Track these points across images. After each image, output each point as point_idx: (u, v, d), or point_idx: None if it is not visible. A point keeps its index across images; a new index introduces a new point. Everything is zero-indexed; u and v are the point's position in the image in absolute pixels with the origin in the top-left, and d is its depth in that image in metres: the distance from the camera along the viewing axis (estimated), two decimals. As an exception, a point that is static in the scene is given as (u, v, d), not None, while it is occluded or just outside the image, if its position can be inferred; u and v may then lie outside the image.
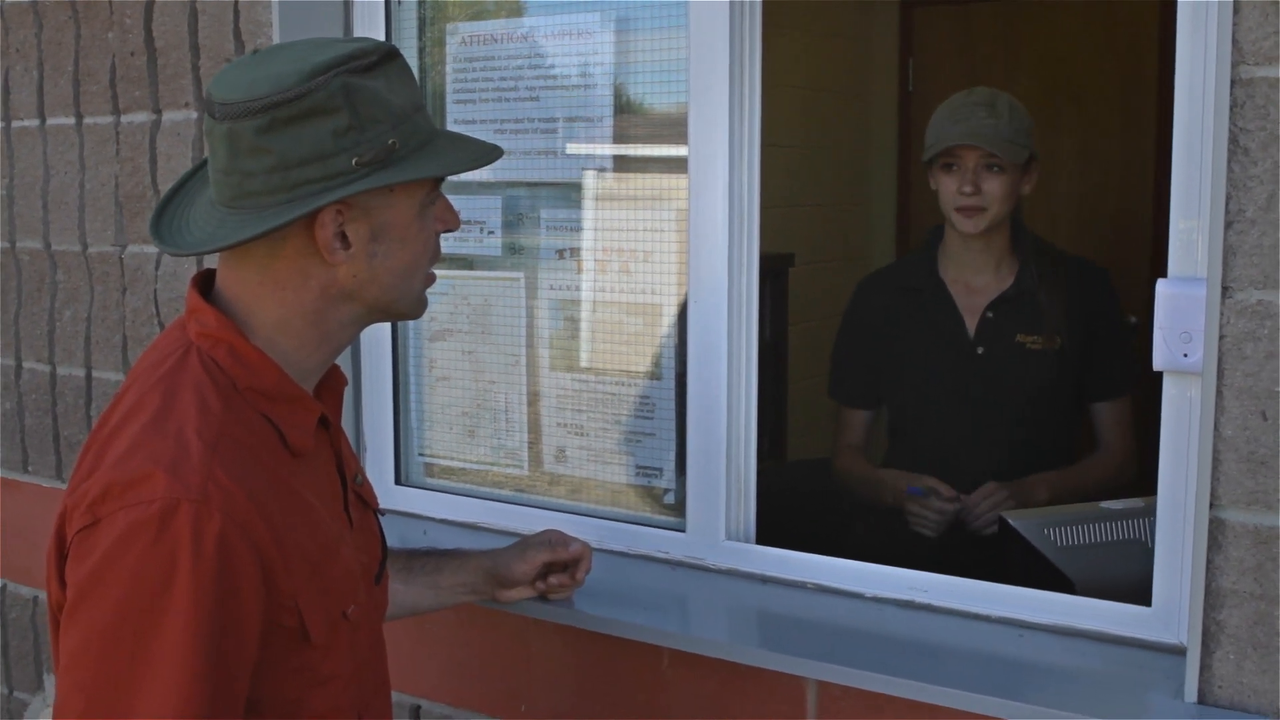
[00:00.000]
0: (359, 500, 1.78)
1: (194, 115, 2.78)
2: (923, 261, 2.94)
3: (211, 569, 1.42)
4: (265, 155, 1.50)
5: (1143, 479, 2.34)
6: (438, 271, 1.73)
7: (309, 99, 1.49)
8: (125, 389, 1.60)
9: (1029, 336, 2.81)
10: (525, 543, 2.18)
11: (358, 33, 2.71)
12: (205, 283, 1.66)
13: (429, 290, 1.72)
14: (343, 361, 2.41)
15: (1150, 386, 2.00)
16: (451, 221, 1.70)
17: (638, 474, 2.51)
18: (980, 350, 2.83)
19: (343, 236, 1.56)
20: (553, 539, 2.19)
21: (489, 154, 1.67)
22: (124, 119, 2.91)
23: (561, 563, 2.17)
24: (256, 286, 1.59)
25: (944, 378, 2.87)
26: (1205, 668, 1.75)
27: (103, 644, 1.41)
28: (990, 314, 2.83)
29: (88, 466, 1.52)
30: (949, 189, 2.77)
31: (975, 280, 2.86)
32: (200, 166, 1.71)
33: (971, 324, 2.84)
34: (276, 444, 1.58)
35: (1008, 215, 2.80)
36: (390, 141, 1.54)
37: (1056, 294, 2.82)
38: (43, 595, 3.22)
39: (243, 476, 1.48)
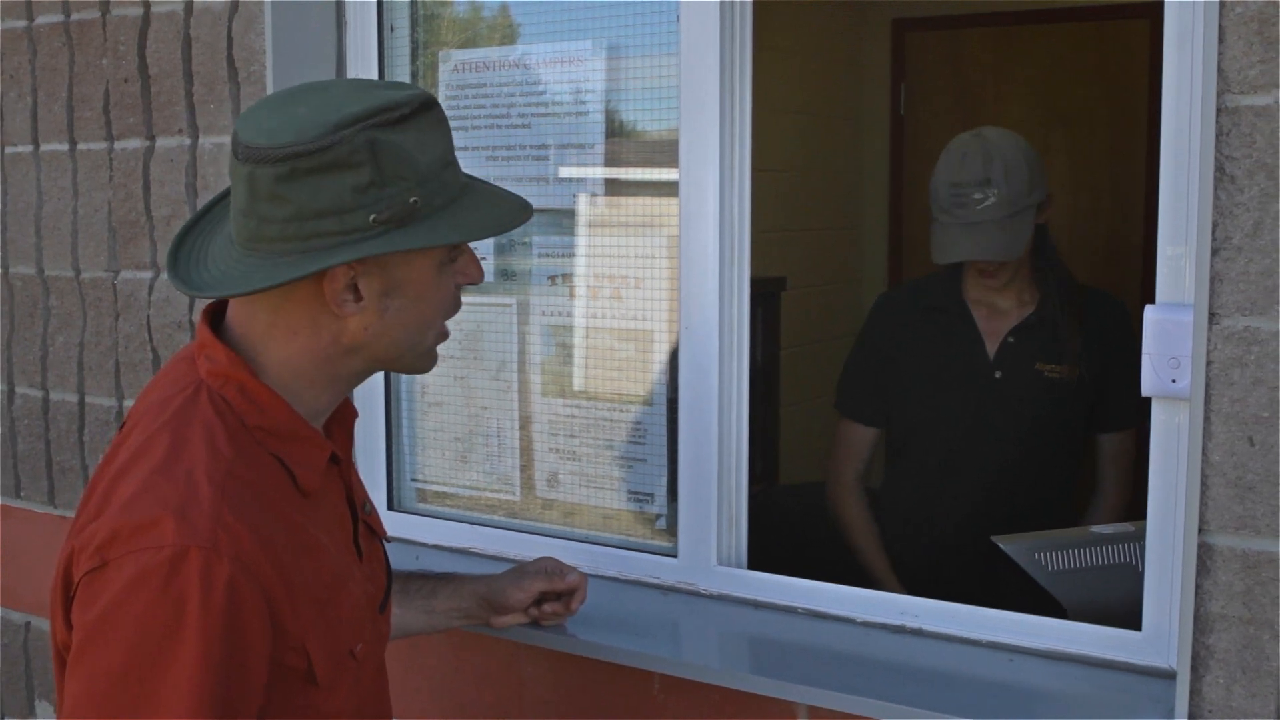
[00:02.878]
0: (368, 530, 1.77)
1: (187, 142, 2.79)
2: (948, 281, 2.92)
3: (220, 616, 1.41)
4: (283, 204, 1.48)
5: (1133, 503, 2.35)
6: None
7: (331, 152, 1.46)
8: (132, 425, 1.59)
9: (1048, 365, 2.80)
10: (522, 570, 2.17)
11: (350, 60, 2.72)
12: (216, 316, 1.64)
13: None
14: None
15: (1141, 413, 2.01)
16: (475, 276, 1.66)
17: (630, 499, 2.52)
18: (998, 374, 2.83)
19: (354, 289, 1.54)
20: (549, 568, 2.17)
21: (516, 215, 1.63)
22: (118, 145, 2.92)
23: (557, 591, 2.16)
24: (268, 328, 1.58)
25: (959, 398, 2.87)
26: (1195, 692, 1.76)
27: (108, 688, 1.40)
28: (1011, 339, 2.83)
29: (95, 507, 1.50)
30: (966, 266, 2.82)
31: (999, 303, 2.86)
32: (221, 197, 1.69)
33: (992, 348, 2.84)
34: (286, 484, 1.57)
35: (1027, 255, 2.81)
36: (412, 200, 1.51)
37: (1077, 325, 2.82)
38: (36, 621, 3.22)
39: (252, 520, 1.47)
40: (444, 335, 1.68)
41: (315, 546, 1.58)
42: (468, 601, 2.13)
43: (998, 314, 2.86)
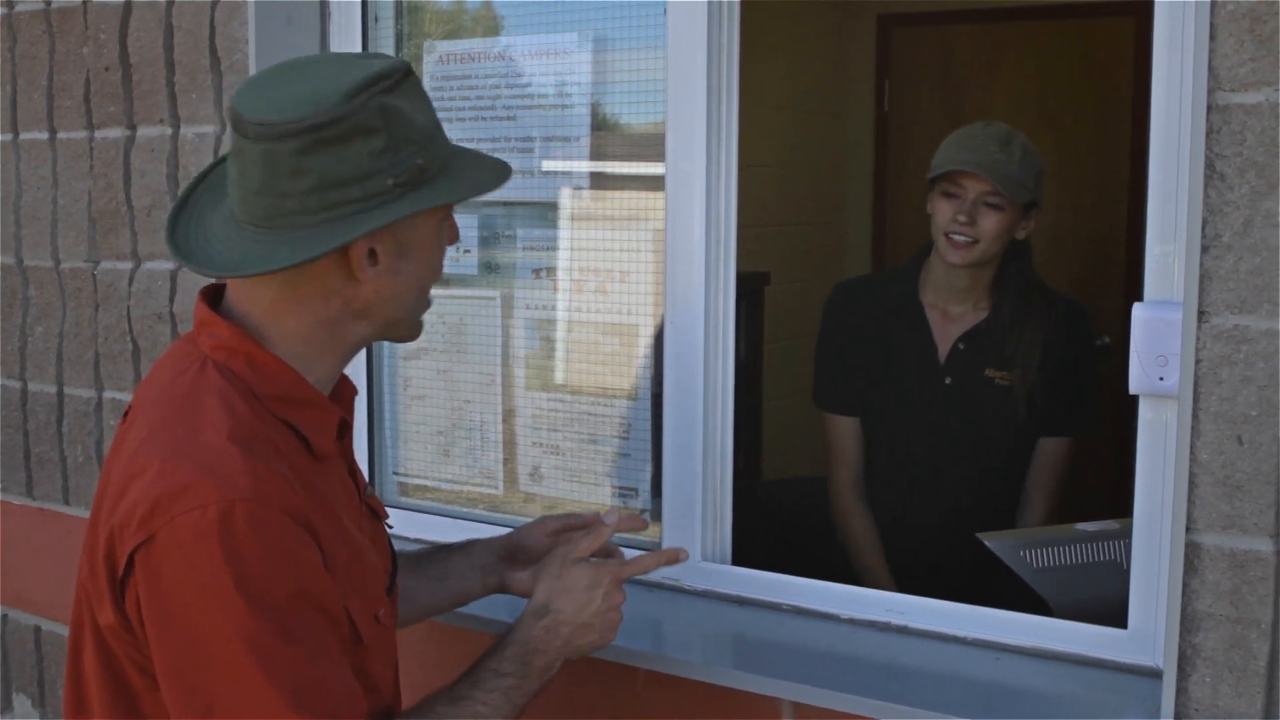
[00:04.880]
0: (370, 512, 1.79)
1: (168, 131, 2.77)
2: (906, 281, 2.91)
3: (280, 558, 1.45)
4: (304, 176, 1.50)
5: (1118, 500, 2.34)
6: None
7: (349, 120, 1.50)
8: (141, 406, 1.61)
9: (998, 371, 2.79)
10: (541, 524, 2.09)
11: (335, 48, 2.70)
12: (213, 296, 1.66)
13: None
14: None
15: (1126, 411, 2.00)
16: (454, 236, 1.72)
17: (613, 494, 2.50)
18: (948, 380, 2.82)
19: (371, 254, 1.57)
20: (572, 526, 2.08)
21: (506, 171, 1.68)
22: (98, 134, 2.90)
23: (577, 526, 2.06)
24: (275, 302, 1.60)
25: (913, 404, 2.86)
26: (1181, 691, 1.75)
27: (200, 651, 1.44)
28: (961, 345, 2.82)
29: (118, 487, 1.52)
30: (945, 214, 2.74)
31: (953, 308, 2.85)
32: (203, 176, 1.70)
33: (943, 353, 2.83)
34: (300, 449, 1.59)
35: (998, 255, 2.78)
36: (420, 161, 1.55)
37: (1032, 330, 2.79)
38: (13, 614, 3.19)
39: (283, 473, 1.50)
40: (429, 304, 1.73)
41: (334, 509, 1.61)
42: (483, 557, 2.06)
43: (951, 319, 2.85)
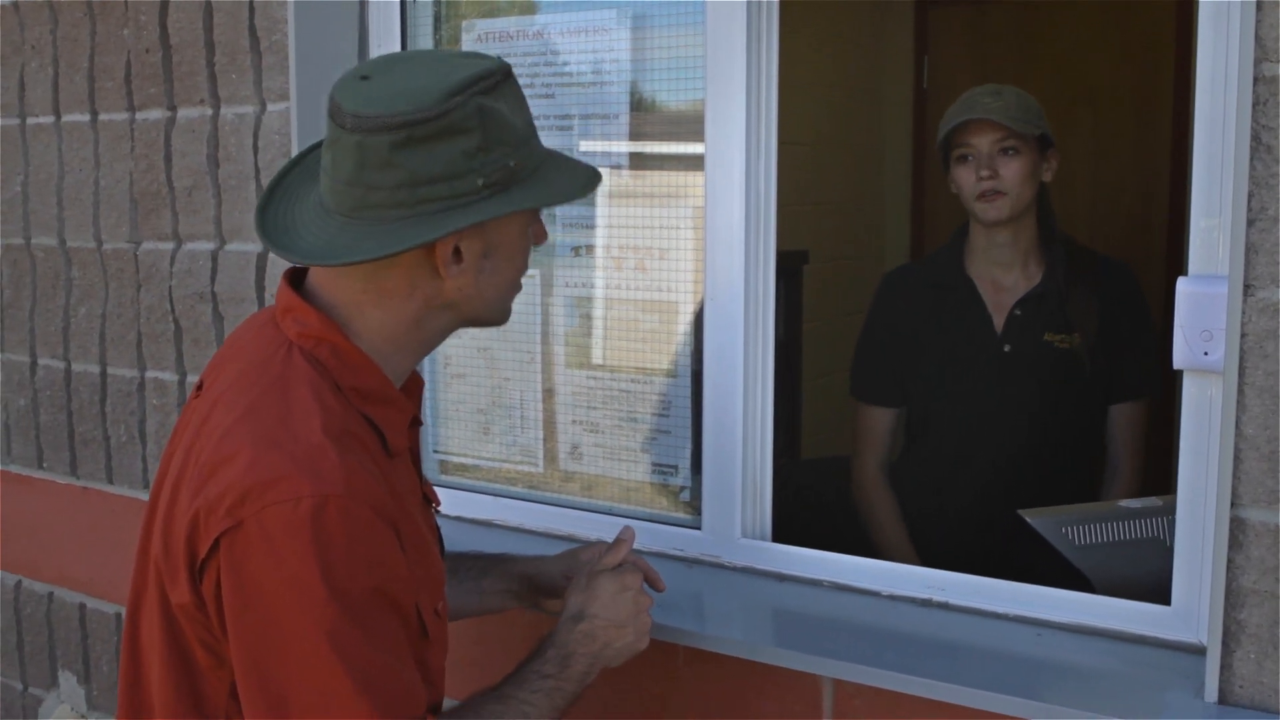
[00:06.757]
0: (424, 499, 1.81)
1: (209, 112, 2.78)
2: (950, 258, 2.91)
3: (367, 557, 1.47)
4: (395, 170, 1.51)
5: (1161, 477, 2.33)
6: None
7: (447, 119, 1.50)
8: (223, 387, 1.61)
9: (1057, 335, 2.79)
10: (573, 555, 2.14)
11: (373, 31, 2.71)
12: (294, 279, 1.67)
13: None
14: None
15: (1168, 387, 1.99)
16: (543, 237, 1.73)
17: (653, 471, 2.51)
18: (1007, 348, 2.82)
19: (456, 252, 1.58)
20: (597, 552, 2.12)
21: (596, 178, 1.69)
22: (139, 116, 2.91)
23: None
24: (360, 293, 1.61)
25: (970, 375, 2.85)
26: (1225, 667, 1.74)
27: (280, 639, 1.45)
28: (1018, 311, 2.82)
29: (205, 468, 1.52)
30: (968, 179, 2.75)
31: (1003, 278, 2.85)
32: (298, 161, 1.72)
33: (999, 321, 2.83)
34: (377, 443, 1.61)
35: (1030, 204, 2.78)
36: (512, 163, 1.56)
37: (1086, 293, 2.80)
38: (59, 592, 3.23)
39: (369, 469, 1.52)
40: (519, 290, 1.74)
41: (406, 504, 1.63)
42: (516, 584, 2.12)
43: (1003, 288, 2.85)
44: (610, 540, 2.08)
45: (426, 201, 1.52)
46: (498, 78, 1.56)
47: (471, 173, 1.53)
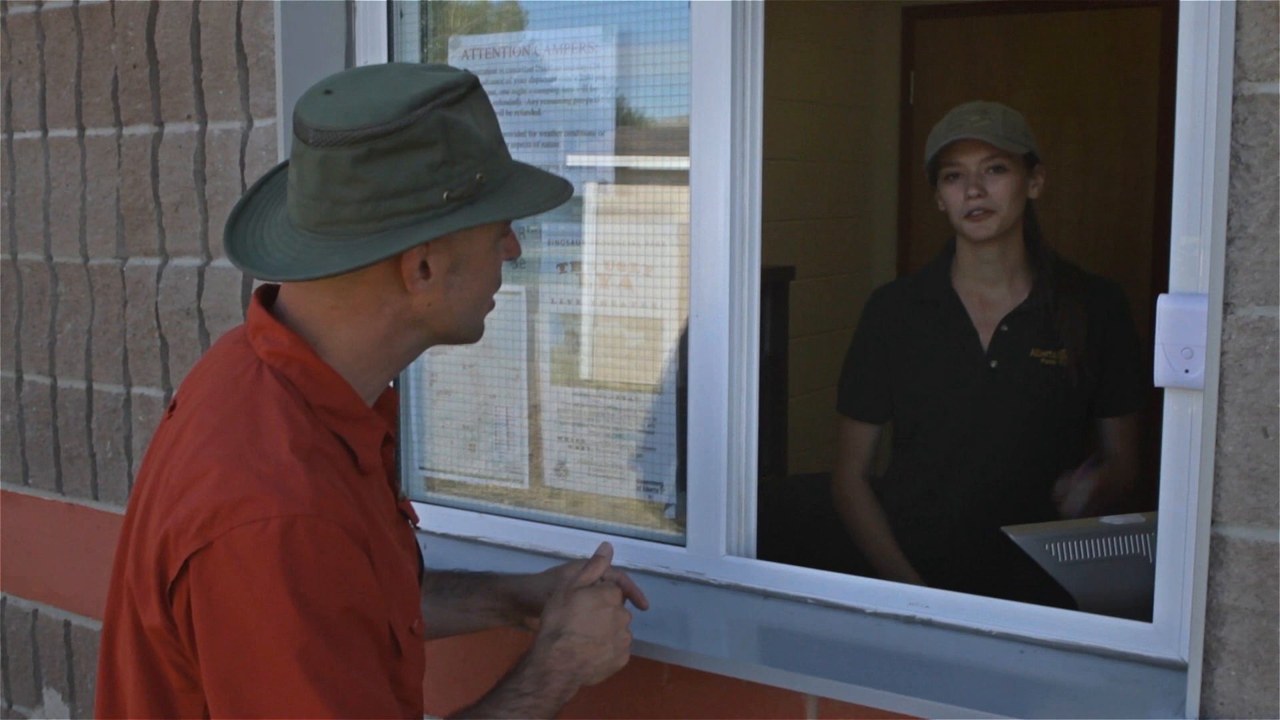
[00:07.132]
0: (401, 515, 1.80)
1: (196, 128, 2.78)
2: (937, 275, 2.92)
3: (337, 576, 1.46)
4: (360, 185, 1.51)
5: (1144, 494, 2.33)
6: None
7: (408, 132, 1.50)
8: (193, 404, 1.61)
9: (1043, 351, 2.80)
10: (557, 574, 2.12)
11: (360, 46, 2.71)
12: (266, 297, 1.67)
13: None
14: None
15: (1152, 402, 2.00)
16: (515, 251, 1.73)
17: (638, 488, 2.51)
18: (994, 364, 2.83)
19: (424, 266, 1.58)
20: (581, 568, 2.11)
21: (566, 189, 1.68)
22: (126, 131, 2.92)
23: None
24: (330, 310, 1.60)
25: (957, 391, 2.86)
26: (1207, 684, 1.75)
27: (249, 661, 1.44)
28: (1005, 328, 2.83)
29: (174, 489, 1.52)
30: (956, 198, 2.77)
31: (990, 294, 2.86)
32: (267, 179, 1.72)
33: (986, 338, 2.84)
34: (349, 462, 1.60)
35: (1018, 221, 2.79)
36: (478, 176, 1.56)
37: (1072, 309, 2.81)
38: (43, 609, 3.22)
39: (339, 488, 1.52)
40: (492, 306, 1.74)
41: (376, 522, 1.61)
42: (500, 602, 2.11)
43: (989, 304, 2.86)
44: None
45: (392, 215, 1.52)
46: (462, 90, 1.56)
47: (436, 185, 1.52)
